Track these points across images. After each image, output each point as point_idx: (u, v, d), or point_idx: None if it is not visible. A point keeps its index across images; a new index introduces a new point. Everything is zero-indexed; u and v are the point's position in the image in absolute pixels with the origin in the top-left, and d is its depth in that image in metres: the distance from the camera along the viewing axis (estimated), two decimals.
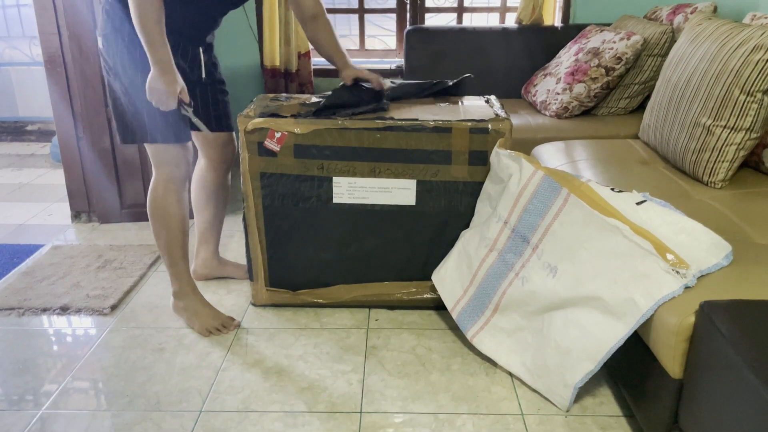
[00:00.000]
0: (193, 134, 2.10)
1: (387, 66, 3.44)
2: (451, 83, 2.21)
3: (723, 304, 1.25)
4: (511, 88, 3.14)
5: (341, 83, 2.06)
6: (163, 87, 1.72)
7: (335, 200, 1.96)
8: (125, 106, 1.85)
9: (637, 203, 1.54)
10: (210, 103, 2.08)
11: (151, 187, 1.93)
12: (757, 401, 1.04)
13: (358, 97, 2.00)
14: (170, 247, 1.95)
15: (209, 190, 2.18)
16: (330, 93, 2.02)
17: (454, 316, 1.90)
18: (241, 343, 1.93)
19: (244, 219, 2.03)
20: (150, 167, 2.01)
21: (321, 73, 3.41)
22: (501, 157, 1.82)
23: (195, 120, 1.86)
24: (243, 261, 2.40)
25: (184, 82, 1.78)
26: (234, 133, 2.16)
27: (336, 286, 2.08)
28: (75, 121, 2.70)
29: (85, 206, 2.86)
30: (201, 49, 1.99)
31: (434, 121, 1.87)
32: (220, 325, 1.99)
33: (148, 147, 1.90)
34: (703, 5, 2.60)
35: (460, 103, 2.11)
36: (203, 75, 2.01)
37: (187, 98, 1.79)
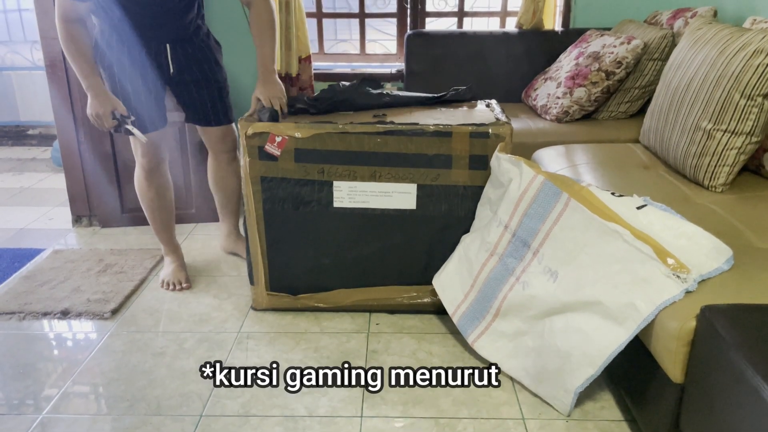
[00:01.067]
0: (197, 128, 2.29)
1: (387, 70, 3.44)
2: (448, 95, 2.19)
3: (724, 309, 1.25)
4: (512, 93, 3.14)
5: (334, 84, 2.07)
6: (95, 110, 1.97)
7: (336, 204, 1.97)
8: None
9: (638, 207, 1.54)
10: (186, 99, 2.15)
11: (135, 171, 2.26)
12: (759, 405, 1.04)
13: (354, 96, 2.03)
14: (150, 220, 2.31)
15: (216, 177, 2.41)
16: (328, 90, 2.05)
17: (454, 320, 1.89)
18: (241, 348, 1.93)
19: (244, 223, 2.03)
20: None
21: (322, 77, 3.41)
22: (501, 162, 1.82)
23: (133, 130, 2.04)
24: (244, 266, 2.40)
25: (117, 99, 2.00)
26: (233, 125, 2.29)
27: (336, 290, 2.08)
28: (76, 126, 2.71)
29: (86, 210, 2.86)
30: (168, 46, 2.02)
31: (434, 125, 1.87)
32: (176, 282, 2.29)
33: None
34: (703, 9, 2.60)
35: (460, 107, 2.11)
36: (171, 71, 2.06)
37: (124, 112, 2.01)
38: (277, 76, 2.07)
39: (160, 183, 2.24)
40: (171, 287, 2.29)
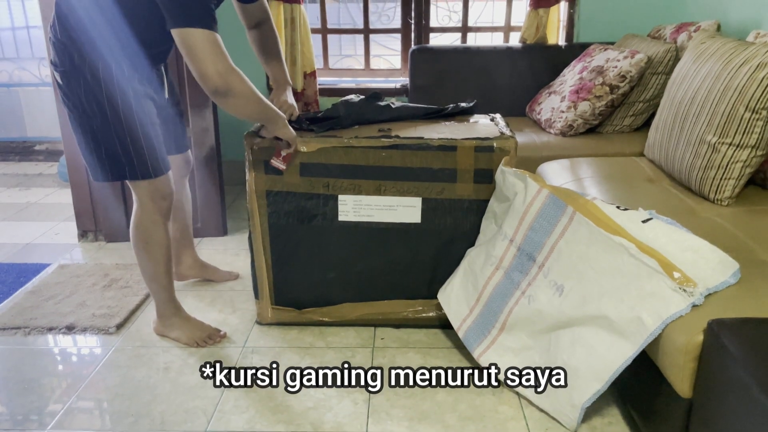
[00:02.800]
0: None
1: (392, 85, 3.46)
2: (452, 108, 2.19)
3: (731, 323, 1.24)
4: (516, 107, 3.15)
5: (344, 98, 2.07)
6: (288, 131, 1.83)
7: (341, 218, 1.97)
8: (102, 144, 1.79)
9: (643, 221, 1.54)
10: (172, 124, 2.08)
11: (137, 221, 1.89)
12: (766, 421, 1.03)
13: (361, 111, 2.03)
14: (158, 275, 1.98)
15: (178, 202, 2.23)
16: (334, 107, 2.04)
17: (460, 334, 1.89)
18: (246, 363, 1.93)
19: (249, 237, 2.03)
20: None
21: (326, 92, 3.43)
22: (506, 175, 1.82)
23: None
24: (248, 280, 2.40)
25: None
26: (190, 150, 2.24)
27: (341, 304, 2.08)
28: None
29: (91, 225, 2.87)
30: (162, 68, 1.99)
31: (439, 139, 1.88)
32: (207, 337, 2.02)
33: (134, 184, 1.85)
34: (706, 23, 2.61)
35: (465, 121, 2.11)
36: (166, 95, 2.01)
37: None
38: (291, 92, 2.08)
39: (168, 224, 1.98)
40: (210, 341, 2.03)
